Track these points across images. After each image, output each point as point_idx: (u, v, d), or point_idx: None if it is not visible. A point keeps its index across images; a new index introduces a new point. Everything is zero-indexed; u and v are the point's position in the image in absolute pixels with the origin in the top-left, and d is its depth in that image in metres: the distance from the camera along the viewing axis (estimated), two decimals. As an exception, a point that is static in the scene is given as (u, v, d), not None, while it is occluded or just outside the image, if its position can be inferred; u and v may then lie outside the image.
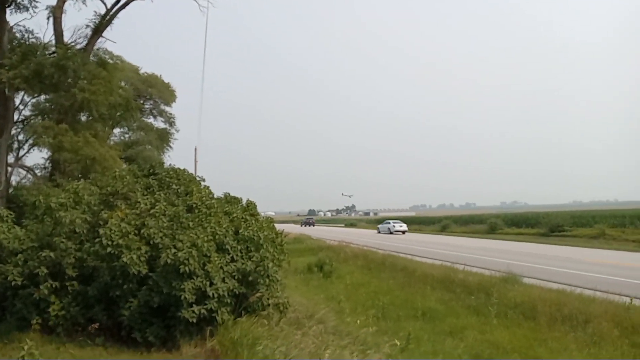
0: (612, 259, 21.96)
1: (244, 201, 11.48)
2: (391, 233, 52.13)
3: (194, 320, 7.16)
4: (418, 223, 67.65)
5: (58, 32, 17.23)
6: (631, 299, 9.89)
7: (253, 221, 9.56)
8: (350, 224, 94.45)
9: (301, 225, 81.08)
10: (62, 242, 7.91)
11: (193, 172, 15.77)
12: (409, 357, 7.63)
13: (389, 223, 56.10)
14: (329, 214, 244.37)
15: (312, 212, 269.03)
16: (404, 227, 53.95)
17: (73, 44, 17.70)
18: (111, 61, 20.35)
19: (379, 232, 55.01)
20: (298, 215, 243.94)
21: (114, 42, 18.96)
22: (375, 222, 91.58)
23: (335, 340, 7.14)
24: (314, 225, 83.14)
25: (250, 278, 7.78)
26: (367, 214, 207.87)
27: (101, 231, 7.79)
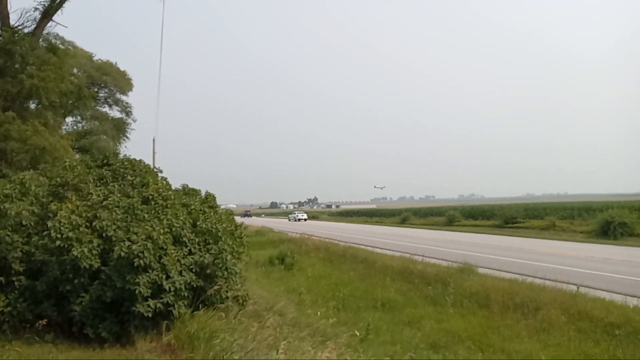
0: (561, 249, 22.98)
1: (203, 193, 11.25)
2: (297, 220, 71.78)
3: (150, 315, 6.94)
4: (379, 215, 68.67)
5: (4, 14, 16.23)
6: (578, 287, 10.35)
7: (212, 213, 9.37)
8: (313, 216, 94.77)
9: (241, 217, 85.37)
10: (8, 235, 7.49)
11: (151, 164, 15.35)
12: (367, 347, 7.72)
13: (294, 213, 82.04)
14: (291, 206, 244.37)
15: (274, 205, 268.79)
16: (305, 216, 79.11)
17: (20, 27, 16.76)
18: (62, 46, 19.46)
19: (289, 221, 73.27)
20: (260, 207, 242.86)
21: (65, 26, 18.05)
22: (336, 214, 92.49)
23: (295, 331, 7.12)
24: (250, 217, 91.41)
25: (208, 271, 7.62)
26: (329, 206, 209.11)
27: (50, 224, 7.42)
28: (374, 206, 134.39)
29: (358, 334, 8.43)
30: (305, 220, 73.36)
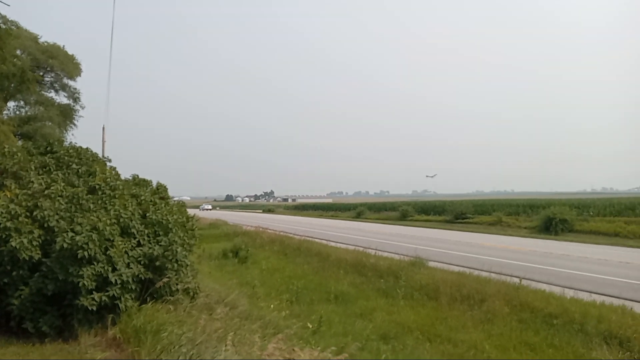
0: (506, 243, 23.99)
1: (155, 184, 10.91)
2: (203, 210, 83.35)
3: (94, 308, 6.67)
4: (335, 209, 69.13)
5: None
6: (520, 280, 10.84)
7: (163, 205, 9.11)
8: (268, 209, 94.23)
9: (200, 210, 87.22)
10: (-62, 225, 6.99)
11: (100, 153, 14.73)
12: (319, 338, 7.77)
13: (203, 205, 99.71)
14: (246, 200, 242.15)
15: (229, 198, 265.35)
16: (209, 207, 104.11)
17: (-45, 3, 15.59)
18: (4, 26, 18.24)
19: (200, 211, 77.90)
20: (215, 200, 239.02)
21: (7, 4, 16.95)
22: (293, 207, 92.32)
23: (246, 324, 7.06)
24: (210, 210, 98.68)
25: (157, 263, 7.40)
26: (285, 200, 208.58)
27: (-15, 213, 6.99)
28: (330, 200, 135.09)
29: (310, 326, 8.49)
30: (209, 210, 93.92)
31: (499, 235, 29.82)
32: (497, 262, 16.38)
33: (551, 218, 29.78)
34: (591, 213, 32.65)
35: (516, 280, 10.92)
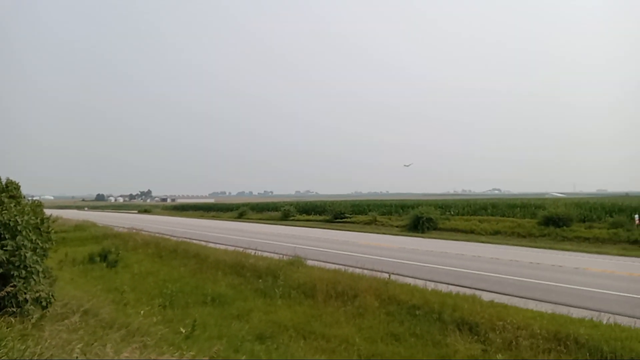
0: (379, 241, 25.52)
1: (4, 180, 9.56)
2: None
3: None
4: (216, 210, 67.49)
5: None
6: (389, 275, 11.59)
7: (12, 204, 8.03)
8: (145, 210, 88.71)
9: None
10: None
11: None
12: (192, 343, 7.49)
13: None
14: (120, 199, 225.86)
15: (100, 197, 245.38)
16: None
17: None
18: None
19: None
20: (83, 200, 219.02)
21: None
22: (172, 208, 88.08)
23: (110, 333, 6.51)
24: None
25: (1, 270, 6.49)
26: (164, 200, 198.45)
27: None
28: (212, 200, 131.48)
29: (183, 330, 8.16)
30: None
31: (374, 233, 31.62)
32: (370, 259, 17.34)
33: (419, 217, 32.33)
34: (452, 213, 36.16)
35: (386, 275, 11.65)
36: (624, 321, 8.43)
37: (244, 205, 61.93)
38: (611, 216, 27.01)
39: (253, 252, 16.90)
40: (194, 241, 22.96)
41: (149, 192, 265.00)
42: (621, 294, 11.60)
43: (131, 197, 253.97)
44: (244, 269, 14.17)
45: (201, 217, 62.03)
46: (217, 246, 20.87)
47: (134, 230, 26.75)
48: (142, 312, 9.40)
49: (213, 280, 13.48)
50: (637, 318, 8.98)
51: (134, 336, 6.94)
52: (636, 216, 25.38)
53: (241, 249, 17.62)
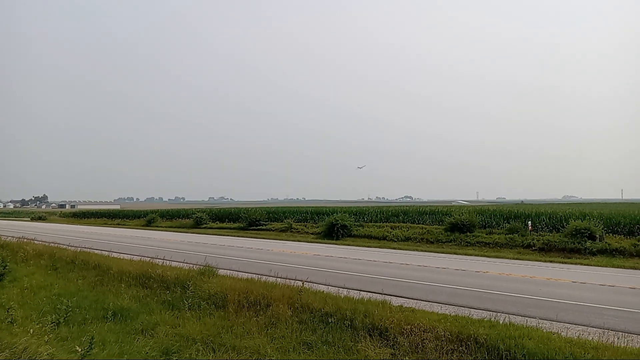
0: (294, 248, 25.53)
1: None
2: None
3: None
4: (122, 217, 63.53)
5: None
6: (303, 283, 11.54)
7: None
8: (39, 217, 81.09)
9: None
10: None
11: None
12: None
13: None
14: (10, 206, 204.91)
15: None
16: None
17: None
18: None
19: None
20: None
21: None
22: (71, 215, 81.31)
23: (-13, 358, 5.74)
24: None
25: None
26: (62, 206, 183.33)
27: None
28: (117, 207, 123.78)
29: (79, 349, 7.44)
30: None
31: (289, 241, 31.60)
32: (285, 267, 17.23)
33: (334, 224, 32.89)
34: (366, 219, 37.24)
35: (300, 283, 11.59)
36: (517, 320, 9.09)
37: (152, 212, 58.88)
38: (508, 222, 29.35)
39: (161, 261, 16.05)
40: (96, 251, 21.35)
41: (45, 197, 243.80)
42: (515, 295, 12.60)
43: (24, 202, 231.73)
44: (150, 280, 13.37)
45: (105, 224, 58.09)
46: (122, 256, 19.57)
47: (25, 240, 24.30)
48: (31, 330, 8.46)
49: (115, 293, 12.56)
50: (528, 317, 9.75)
51: (19, 357, 6.25)
52: (529, 222, 27.87)
53: (148, 259, 16.69)
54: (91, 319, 10.23)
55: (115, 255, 20.09)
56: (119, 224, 56.85)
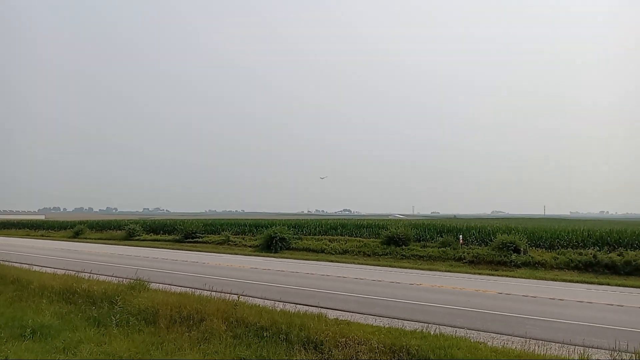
0: (231, 262, 25.09)
1: None
2: None
3: None
4: (47, 228, 59.51)
5: None
6: (238, 296, 11.36)
7: None
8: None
9: None
10: None
11: None
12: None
13: None
14: None
15: None
16: None
17: None
18: None
19: None
20: None
21: None
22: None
23: None
24: None
25: None
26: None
27: None
28: (42, 217, 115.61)
29: (-9, 372, 6.90)
30: None
31: (226, 254, 31.01)
32: (221, 280, 16.89)
33: (272, 237, 32.63)
34: (304, 232, 37.28)
35: (235, 297, 11.40)
36: (447, 331, 9.47)
37: (81, 222, 55.60)
38: (441, 236, 30.46)
39: (88, 275, 15.23)
40: (15, 264, 19.82)
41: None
42: (446, 306, 13.12)
43: None
44: (75, 295, 12.61)
45: (27, 235, 54.15)
46: (44, 269, 18.35)
47: None
48: None
49: (36, 310, 11.71)
50: (458, 327, 10.17)
51: None
52: (460, 236, 29.15)
53: (74, 273, 15.71)
54: (7, 338, 9.48)
55: (37, 268, 18.86)
56: (43, 235, 53.17)
